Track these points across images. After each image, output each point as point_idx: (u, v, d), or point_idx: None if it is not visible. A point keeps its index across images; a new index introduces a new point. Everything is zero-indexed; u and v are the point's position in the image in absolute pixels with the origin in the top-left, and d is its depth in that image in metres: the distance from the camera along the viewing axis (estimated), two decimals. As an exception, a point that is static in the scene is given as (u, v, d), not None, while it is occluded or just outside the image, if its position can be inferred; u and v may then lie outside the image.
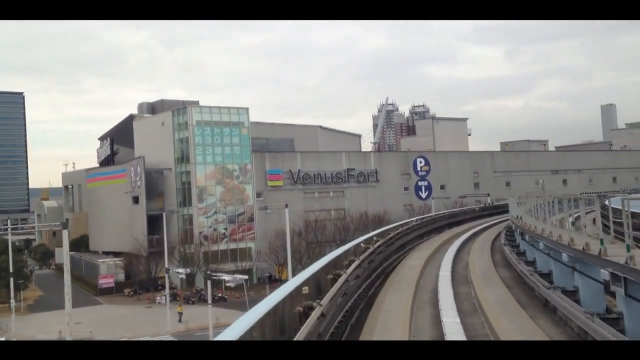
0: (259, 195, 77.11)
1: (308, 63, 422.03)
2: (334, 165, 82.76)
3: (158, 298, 57.07)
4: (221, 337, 7.30)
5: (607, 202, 20.42)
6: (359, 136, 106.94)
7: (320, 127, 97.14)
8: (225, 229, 74.96)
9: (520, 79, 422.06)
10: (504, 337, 11.52)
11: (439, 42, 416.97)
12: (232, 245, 74.80)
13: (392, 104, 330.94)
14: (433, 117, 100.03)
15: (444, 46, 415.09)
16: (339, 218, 79.66)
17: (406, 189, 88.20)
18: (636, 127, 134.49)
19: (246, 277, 48.82)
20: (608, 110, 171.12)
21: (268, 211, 77.13)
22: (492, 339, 12.03)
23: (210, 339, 19.65)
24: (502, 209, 59.35)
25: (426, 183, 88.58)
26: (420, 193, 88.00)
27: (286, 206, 53.91)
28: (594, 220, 19.78)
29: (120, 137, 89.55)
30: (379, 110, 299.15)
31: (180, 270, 57.11)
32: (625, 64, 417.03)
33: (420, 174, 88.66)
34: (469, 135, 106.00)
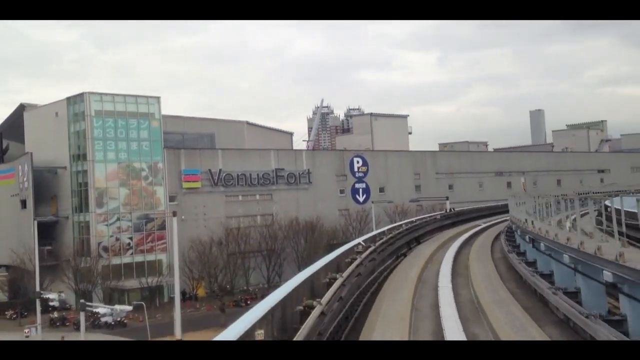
0: (172, 198, 66.38)
1: (244, 66, 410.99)
2: (260, 164, 72.93)
3: (26, 331, 45.18)
4: (221, 337, 7.96)
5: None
6: (291, 134, 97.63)
7: (248, 122, 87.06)
8: (130, 238, 63.82)
9: (452, 85, 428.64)
10: None
11: (374, 48, 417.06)
12: (139, 258, 63.69)
13: (327, 107, 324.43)
14: (371, 114, 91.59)
15: (379, 52, 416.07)
16: (266, 225, 69.76)
17: (342, 191, 79.39)
18: (577, 128, 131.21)
19: (129, 308, 38.10)
20: (537, 116, 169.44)
21: (183, 217, 66.34)
22: (492, 339, 12.05)
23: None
24: (466, 217, 51.38)
25: (364, 185, 80.00)
26: (357, 196, 79.32)
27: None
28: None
29: (11, 131, 76.45)
30: (314, 113, 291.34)
31: (52, 295, 45.65)
32: (551, 71, 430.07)
33: (357, 175, 79.97)
34: (410, 134, 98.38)
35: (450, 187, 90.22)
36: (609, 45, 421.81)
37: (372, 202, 64.69)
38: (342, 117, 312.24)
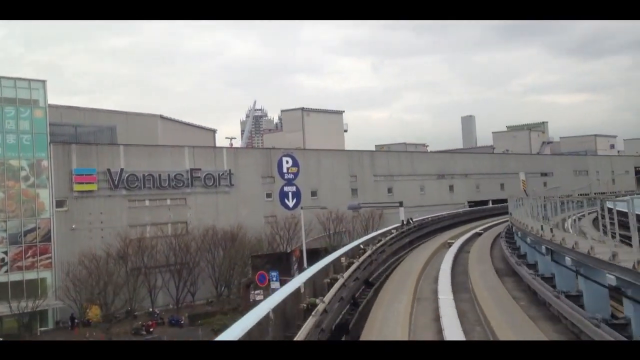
0: (60, 203, 54.99)
1: (178, 68, 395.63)
2: (172, 164, 62.30)
3: None
4: (222, 337, 8.22)
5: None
6: (214, 131, 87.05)
7: (162, 116, 75.98)
8: (5, 252, 51.86)
9: (385, 91, 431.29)
10: None
11: (309, 53, 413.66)
12: (16, 277, 51.91)
13: (260, 109, 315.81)
14: (302, 109, 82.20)
15: (314, 57, 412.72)
16: (177, 234, 59.18)
17: (269, 195, 69.66)
18: (518, 129, 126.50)
19: None
20: (468, 121, 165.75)
21: (74, 226, 55.16)
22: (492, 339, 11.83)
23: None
24: (434, 227, 40.88)
25: (294, 188, 70.49)
26: (286, 201, 69.71)
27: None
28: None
29: None
30: (247, 116, 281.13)
31: None
32: (480, 79, 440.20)
33: (286, 176, 70.33)
34: (346, 131, 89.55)
35: (390, 190, 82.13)
36: (534, 55, 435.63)
37: (302, 208, 55.16)
38: (275, 119, 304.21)
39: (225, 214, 64.79)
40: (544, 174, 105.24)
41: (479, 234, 37.82)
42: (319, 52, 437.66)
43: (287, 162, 71.09)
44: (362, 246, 23.36)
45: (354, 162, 79.51)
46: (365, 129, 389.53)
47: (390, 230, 32.07)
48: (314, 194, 73.79)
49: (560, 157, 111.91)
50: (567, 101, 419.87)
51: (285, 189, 70.60)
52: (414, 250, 29.72)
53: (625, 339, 9.68)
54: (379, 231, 33.15)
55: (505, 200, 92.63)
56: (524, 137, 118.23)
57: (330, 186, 75.16)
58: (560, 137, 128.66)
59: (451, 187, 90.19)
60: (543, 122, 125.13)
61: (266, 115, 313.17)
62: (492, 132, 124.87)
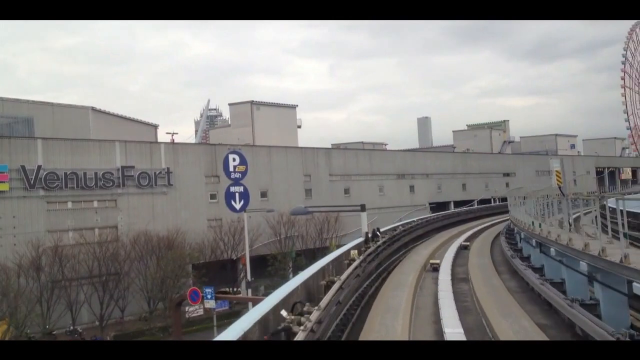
0: (-39, 206, 46.77)
1: (132, 67, 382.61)
2: (101, 161, 54.76)
3: None
4: (221, 337, 8.31)
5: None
6: (155, 126, 79.17)
7: (94, 109, 68.02)
8: None
9: (343, 93, 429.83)
10: None
11: (267, 54, 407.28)
12: None
13: (215, 109, 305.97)
14: (252, 102, 75.35)
15: (273, 58, 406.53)
16: (104, 241, 51.68)
17: (213, 196, 62.64)
18: (478, 128, 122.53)
19: None
20: (424, 123, 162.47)
21: (-21, 233, 47.23)
22: (492, 339, 12.45)
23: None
24: (400, 242, 33.53)
25: (242, 189, 63.19)
26: (233, 202, 62.41)
27: None
28: None
29: None
30: (201, 115, 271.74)
31: None
32: (437, 82, 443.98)
33: (233, 176, 62.98)
34: (299, 127, 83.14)
35: (347, 191, 76.21)
36: (488, 59, 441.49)
37: (245, 212, 48.50)
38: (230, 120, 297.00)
39: (163, 217, 57.63)
40: (507, 174, 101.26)
41: (464, 247, 31.85)
42: (278, 53, 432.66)
43: (234, 159, 63.89)
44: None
45: (308, 160, 73.20)
46: (322, 130, 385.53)
47: (349, 252, 20.88)
48: (264, 194, 67.17)
49: (523, 156, 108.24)
50: (521, 104, 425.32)
51: (232, 189, 63.36)
52: (386, 284, 20.62)
53: (626, 339, 9.97)
54: (332, 257, 20.12)
55: (489, 201, 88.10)
56: (485, 136, 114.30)
57: (282, 186, 68.70)
58: (520, 137, 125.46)
59: (412, 188, 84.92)
60: (504, 121, 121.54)
61: (221, 115, 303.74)
62: (453, 131, 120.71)
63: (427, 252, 30.02)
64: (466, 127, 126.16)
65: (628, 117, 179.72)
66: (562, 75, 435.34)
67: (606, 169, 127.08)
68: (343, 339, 13.37)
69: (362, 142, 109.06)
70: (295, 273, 63.36)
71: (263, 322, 9.23)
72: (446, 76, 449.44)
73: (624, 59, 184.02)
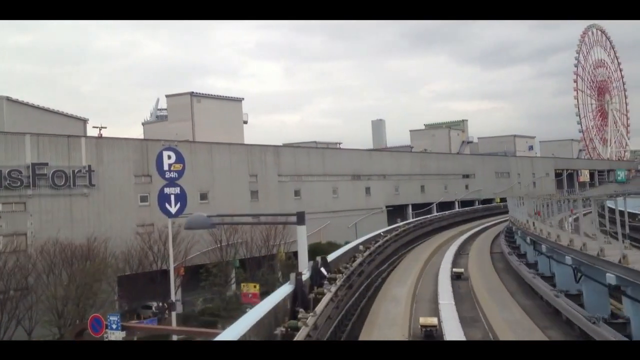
0: None
1: (85, 68, 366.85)
2: (7, 156, 46.69)
3: None
4: (221, 337, 8.39)
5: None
6: (84, 120, 70.72)
7: (8, 98, 59.43)
8: None
9: (298, 95, 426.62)
10: None
11: (222, 55, 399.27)
12: None
13: (166, 109, 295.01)
14: (192, 93, 67.83)
15: (228, 59, 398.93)
16: (11, 252, 43.66)
17: (144, 199, 54.97)
18: (436, 127, 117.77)
19: None
20: (378, 125, 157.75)
21: None
22: (492, 339, 13.17)
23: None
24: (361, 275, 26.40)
25: (178, 190, 55.45)
26: (167, 205, 54.72)
27: None
28: None
29: None
30: (151, 115, 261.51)
31: None
32: (392, 85, 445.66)
33: (168, 175, 55.29)
34: (245, 122, 75.97)
35: (297, 193, 69.60)
36: (442, 63, 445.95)
37: (170, 217, 41.32)
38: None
39: (83, 223, 49.86)
40: (466, 176, 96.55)
41: (457, 275, 25.00)
42: (233, 54, 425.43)
43: (170, 157, 55.76)
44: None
45: (254, 159, 66.23)
46: (277, 132, 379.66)
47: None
48: (203, 197, 59.89)
49: (482, 157, 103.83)
50: (475, 108, 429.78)
51: (167, 190, 55.46)
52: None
53: (626, 339, 10.60)
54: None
55: (449, 205, 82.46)
56: (444, 136, 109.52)
57: (224, 188, 61.58)
58: (478, 138, 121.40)
59: (367, 190, 78.95)
60: (462, 121, 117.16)
61: None
62: (410, 131, 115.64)
63: (405, 292, 22.21)
64: (424, 127, 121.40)
65: (580, 119, 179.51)
66: (514, 80, 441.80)
67: (565, 171, 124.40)
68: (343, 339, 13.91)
69: (315, 142, 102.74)
70: (238, 285, 56.40)
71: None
72: (402, 79, 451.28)
73: (576, 61, 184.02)
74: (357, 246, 28.30)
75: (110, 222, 51.46)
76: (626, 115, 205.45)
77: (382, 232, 36.76)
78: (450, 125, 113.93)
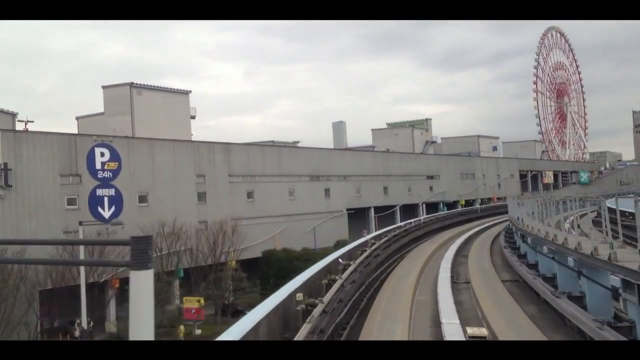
0: None
1: (41, 67, 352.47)
2: None
3: None
4: (222, 337, 8.52)
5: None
6: (14, 114, 62.78)
7: None
8: None
9: (259, 97, 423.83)
10: None
11: (182, 56, 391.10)
12: None
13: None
14: (132, 84, 60.90)
15: (187, 60, 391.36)
16: None
17: (72, 201, 48.14)
18: (399, 126, 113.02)
19: None
20: (339, 127, 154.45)
21: None
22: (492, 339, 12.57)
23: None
24: None
25: (112, 192, 49.00)
26: (100, 209, 48.09)
27: None
28: None
29: None
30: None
31: None
32: (352, 88, 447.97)
33: (101, 175, 48.68)
34: (193, 118, 69.31)
35: (250, 195, 63.51)
36: (401, 67, 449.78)
37: (84, 225, 34.87)
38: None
39: (-3, 229, 42.62)
40: (430, 177, 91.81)
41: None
42: (193, 56, 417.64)
43: (103, 154, 49.43)
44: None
45: (202, 157, 59.80)
46: (238, 134, 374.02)
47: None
48: (143, 199, 53.26)
49: (447, 158, 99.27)
50: (435, 111, 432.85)
51: (99, 192, 48.93)
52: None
53: (626, 339, 10.02)
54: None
55: (436, 206, 77.37)
56: (407, 135, 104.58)
57: (167, 189, 55.07)
58: (441, 138, 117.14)
59: (327, 191, 73.22)
60: (426, 119, 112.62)
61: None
62: (372, 129, 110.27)
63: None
64: (386, 126, 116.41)
65: (540, 121, 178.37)
66: (473, 83, 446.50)
67: (529, 173, 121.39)
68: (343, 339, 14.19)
69: (273, 141, 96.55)
70: (180, 299, 50.06)
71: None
72: (361, 82, 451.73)
73: (536, 63, 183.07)
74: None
75: (30, 228, 44.45)
76: (584, 118, 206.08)
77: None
78: (414, 125, 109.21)
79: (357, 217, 75.58)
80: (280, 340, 9.52)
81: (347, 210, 74.40)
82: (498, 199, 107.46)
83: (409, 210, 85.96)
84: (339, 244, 65.43)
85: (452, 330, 13.33)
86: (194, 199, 57.61)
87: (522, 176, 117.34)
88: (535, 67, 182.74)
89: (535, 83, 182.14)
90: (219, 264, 52.59)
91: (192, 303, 45.43)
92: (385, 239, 36.54)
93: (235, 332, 8.32)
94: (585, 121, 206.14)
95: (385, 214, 79.05)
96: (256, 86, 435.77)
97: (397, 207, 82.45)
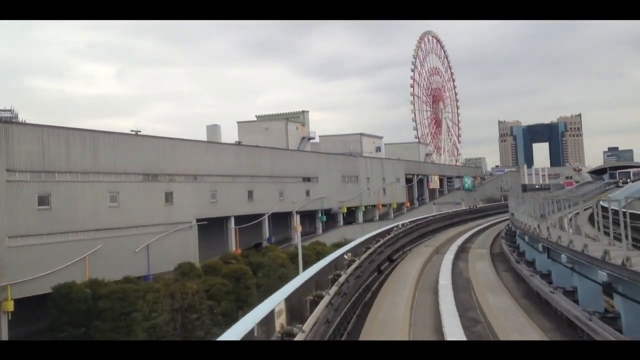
0: None
1: None
2: None
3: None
4: (223, 337, 7.47)
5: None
6: None
7: None
8: None
9: (132, 99, 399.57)
10: None
11: (48, 55, 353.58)
12: None
13: (10, 110, 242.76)
14: None
15: (55, 60, 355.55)
16: None
17: None
18: (271, 119, 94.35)
19: None
20: (213, 130, 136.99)
21: None
22: (492, 339, 12.15)
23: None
24: None
25: None
26: None
27: None
28: None
29: None
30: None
31: None
32: (229, 93, 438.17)
33: None
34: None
35: (44, 200, 42.35)
36: (279, 74, 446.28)
37: None
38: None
39: None
40: (307, 179, 73.94)
41: None
42: (61, 55, 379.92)
43: None
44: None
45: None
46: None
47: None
48: None
49: (327, 156, 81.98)
50: (314, 119, 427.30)
51: None
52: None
53: (626, 339, 9.71)
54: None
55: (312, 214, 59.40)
56: (280, 130, 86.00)
57: None
58: (320, 136, 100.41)
59: (169, 196, 52.59)
60: (302, 112, 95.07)
61: (16, 117, 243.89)
62: (237, 122, 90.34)
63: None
64: (255, 118, 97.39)
65: (416, 125, 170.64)
66: (350, 92, 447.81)
67: (415, 177, 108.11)
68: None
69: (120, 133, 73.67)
70: None
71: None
72: (239, 88, 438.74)
73: (413, 66, 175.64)
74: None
75: None
76: (457, 126, 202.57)
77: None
78: (288, 117, 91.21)
79: (212, 229, 55.63)
80: (280, 340, 8.43)
81: (198, 221, 54.08)
82: (383, 205, 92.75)
83: (281, 219, 67.59)
84: (180, 267, 45.88)
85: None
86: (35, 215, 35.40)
87: (408, 180, 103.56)
88: (413, 70, 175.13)
89: (412, 86, 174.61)
90: None
91: None
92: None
93: (236, 331, 7.43)
94: (459, 129, 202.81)
95: (249, 225, 59.94)
96: (130, 88, 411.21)
97: (266, 216, 63.76)
